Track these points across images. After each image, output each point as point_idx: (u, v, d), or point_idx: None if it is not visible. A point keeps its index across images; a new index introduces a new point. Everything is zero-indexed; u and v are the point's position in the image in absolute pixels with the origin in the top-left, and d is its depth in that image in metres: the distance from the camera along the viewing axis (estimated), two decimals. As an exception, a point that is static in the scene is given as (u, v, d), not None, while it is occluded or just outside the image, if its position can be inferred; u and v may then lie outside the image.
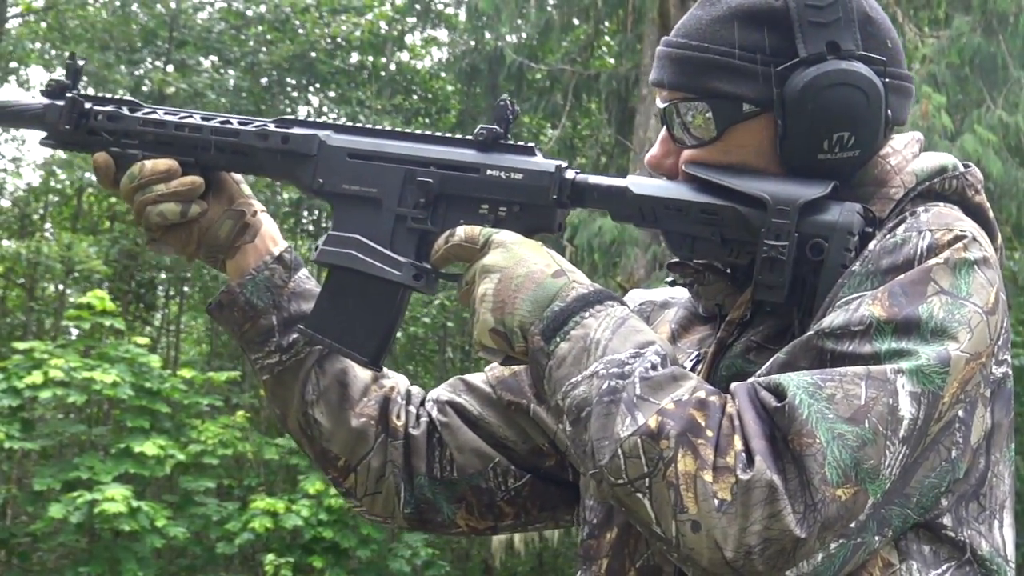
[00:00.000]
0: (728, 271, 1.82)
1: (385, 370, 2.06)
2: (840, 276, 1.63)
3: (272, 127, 1.94)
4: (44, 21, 18.50)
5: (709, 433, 1.50)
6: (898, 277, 1.58)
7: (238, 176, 2.01)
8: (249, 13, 18.52)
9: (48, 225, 19.36)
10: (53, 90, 2.01)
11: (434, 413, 2.08)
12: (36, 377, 12.69)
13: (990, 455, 1.68)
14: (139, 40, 18.15)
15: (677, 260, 1.86)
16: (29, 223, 19.05)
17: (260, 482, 15.38)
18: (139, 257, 17.19)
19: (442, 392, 2.11)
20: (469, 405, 2.07)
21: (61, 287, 18.15)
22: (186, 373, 14.27)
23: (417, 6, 18.38)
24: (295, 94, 19.34)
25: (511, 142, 1.86)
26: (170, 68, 17.94)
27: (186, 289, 19.22)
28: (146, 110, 1.99)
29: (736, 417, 1.51)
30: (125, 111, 1.99)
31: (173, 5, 18.04)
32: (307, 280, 2.03)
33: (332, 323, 1.91)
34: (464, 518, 2.07)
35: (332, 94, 19.22)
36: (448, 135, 1.90)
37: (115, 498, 12.49)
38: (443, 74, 19.88)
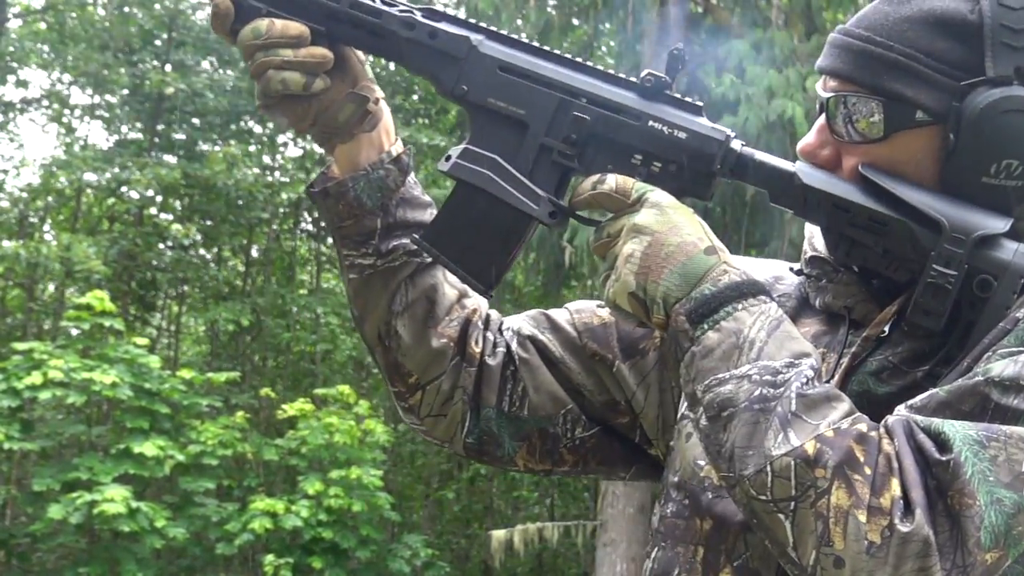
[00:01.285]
0: (867, 276, 1.77)
1: (467, 288, 1.97)
2: (1001, 317, 1.58)
3: (419, 16, 1.79)
4: (43, 21, 18.48)
5: (867, 471, 1.45)
6: None
7: (362, 56, 1.86)
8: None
9: (47, 226, 19.35)
10: None
11: (513, 345, 2.00)
12: (35, 378, 12.71)
13: None
14: (137, 40, 18.14)
15: (817, 255, 1.81)
16: (28, 224, 19.04)
17: (260, 483, 15.38)
18: (138, 257, 17.18)
19: (524, 325, 2.03)
20: (552, 345, 1.99)
21: (60, 288, 18.14)
22: (186, 374, 14.27)
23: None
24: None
25: (677, 96, 1.76)
26: (168, 68, 17.93)
27: (186, 288, 19.20)
28: None
29: (895, 459, 1.47)
30: None
31: (170, 4, 18.02)
32: (416, 187, 1.92)
33: (452, 241, 1.80)
34: (524, 458, 2.00)
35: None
36: (611, 72, 1.78)
37: (114, 499, 12.51)
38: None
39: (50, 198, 19.13)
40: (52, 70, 18.83)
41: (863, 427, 1.49)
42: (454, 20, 1.81)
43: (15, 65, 18.13)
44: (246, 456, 14.88)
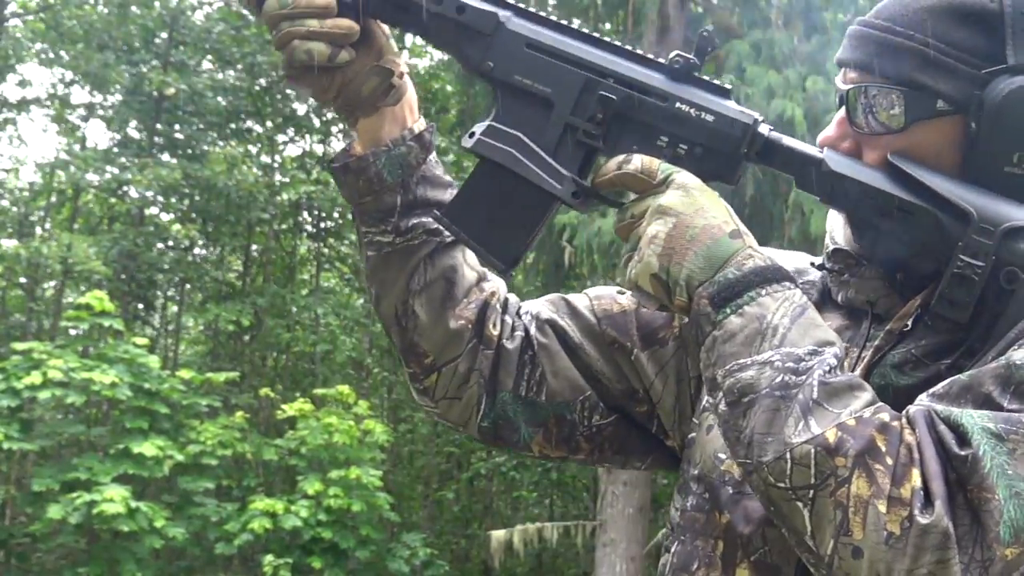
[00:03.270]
0: (889, 268, 1.74)
1: (486, 271, 1.96)
2: None
3: None
4: (42, 21, 18.47)
5: (888, 460, 1.44)
6: None
7: (387, 29, 1.85)
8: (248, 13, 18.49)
9: (48, 225, 19.34)
10: None
11: (532, 329, 1.98)
12: (35, 378, 12.71)
13: None
14: (138, 40, 18.14)
15: (840, 247, 1.79)
16: (28, 223, 19.04)
17: (259, 483, 15.39)
18: (138, 258, 17.18)
19: (543, 309, 2.01)
20: (571, 330, 1.98)
21: (60, 288, 18.14)
22: (185, 374, 14.28)
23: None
24: (294, 94, 19.32)
25: (705, 78, 1.73)
26: (168, 67, 17.93)
27: (188, 287, 19.20)
28: None
29: (916, 449, 1.45)
30: None
31: (173, 3, 18.02)
32: (437, 165, 1.91)
33: (473, 219, 1.77)
34: (539, 444, 1.98)
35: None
36: (639, 52, 1.74)
37: (114, 499, 12.51)
38: (442, 74, 19.88)
39: (53, 198, 19.13)
40: (51, 67, 18.82)
41: (885, 416, 1.48)
42: None
43: (14, 63, 18.11)
44: (245, 456, 14.87)
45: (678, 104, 1.71)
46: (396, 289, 1.90)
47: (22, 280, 18.21)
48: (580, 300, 2.01)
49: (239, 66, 18.40)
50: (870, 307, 1.77)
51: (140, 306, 18.86)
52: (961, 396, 1.50)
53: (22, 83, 19.05)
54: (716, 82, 1.73)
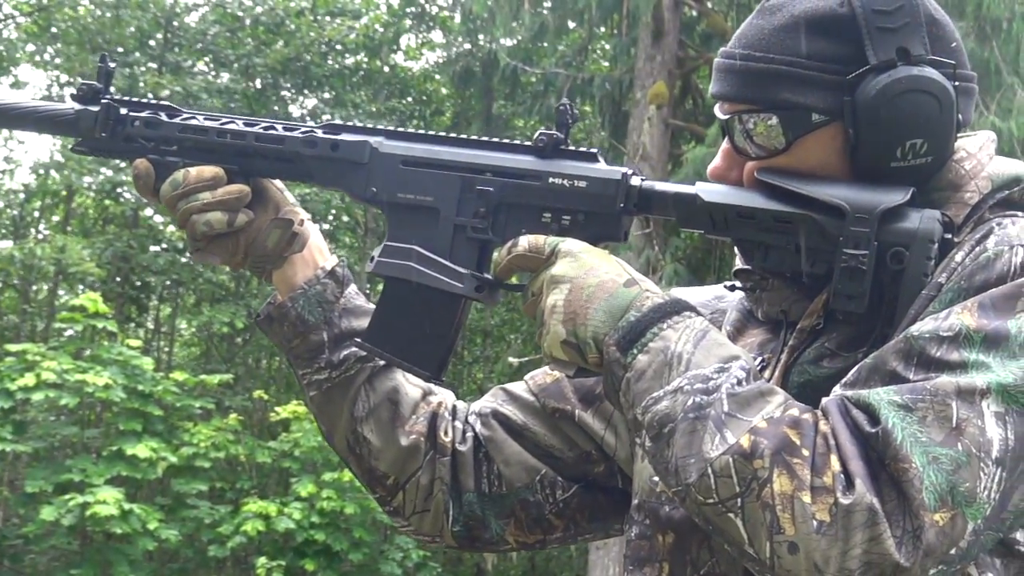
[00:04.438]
0: (793, 277, 1.77)
1: (431, 386, 2.03)
2: (921, 285, 1.60)
3: (320, 133, 1.88)
4: (35, 23, 18.46)
5: (805, 452, 1.47)
6: (990, 291, 1.54)
7: (279, 183, 1.95)
8: (244, 17, 18.48)
9: (42, 226, 19.33)
10: (85, 95, 1.93)
11: (478, 427, 2.03)
12: (28, 379, 12.70)
13: None
14: (132, 42, 18.12)
15: (742, 267, 1.83)
16: (22, 225, 19.02)
17: (252, 485, 15.37)
18: (132, 259, 17.17)
19: (484, 404, 2.07)
20: (513, 415, 2.03)
21: (54, 289, 18.12)
22: (179, 376, 14.26)
23: (411, 8, 18.39)
24: (289, 96, 19.33)
25: (572, 148, 1.80)
26: (163, 70, 17.92)
27: (181, 289, 19.18)
28: (185, 115, 1.92)
29: (831, 436, 1.48)
30: (163, 117, 1.92)
31: (168, 4, 18.01)
32: (357, 296, 1.99)
33: (391, 337, 1.86)
34: (513, 534, 2.03)
35: (327, 96, 19.21)
36: (506, 141, 1.83)
37: (107, 501, 12.49)
38: (437, 76, 19.88)
39: (47, 199, 19.11)
40: (45, 69, 18.82)
41: (795, 412, 1.51)
42: (353, 129, 1.89)
43: (7, 65, 18.11)
44: (239, 458, 14.86)
45: (551, 179, 1.78)
46: (343, 421, 1.97)
47: (16, 282, 18.18)
48: (517, 385, 2.08)
49: (234, 67, 18.38)
50: (785, 316, 1.80)
51: (134, 308, 18.84)
52: (870, 378, 1.54)
53: (16, 84, 19.04)
54: (582, 149, 1.79)
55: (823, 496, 1.44)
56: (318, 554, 13.96)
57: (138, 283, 18.01)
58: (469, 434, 2.03)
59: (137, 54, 18.11)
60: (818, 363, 1.71)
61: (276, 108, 18.58)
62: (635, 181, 1.77)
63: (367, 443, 1.97)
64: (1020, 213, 1.68)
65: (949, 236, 1.64)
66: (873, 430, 1.47)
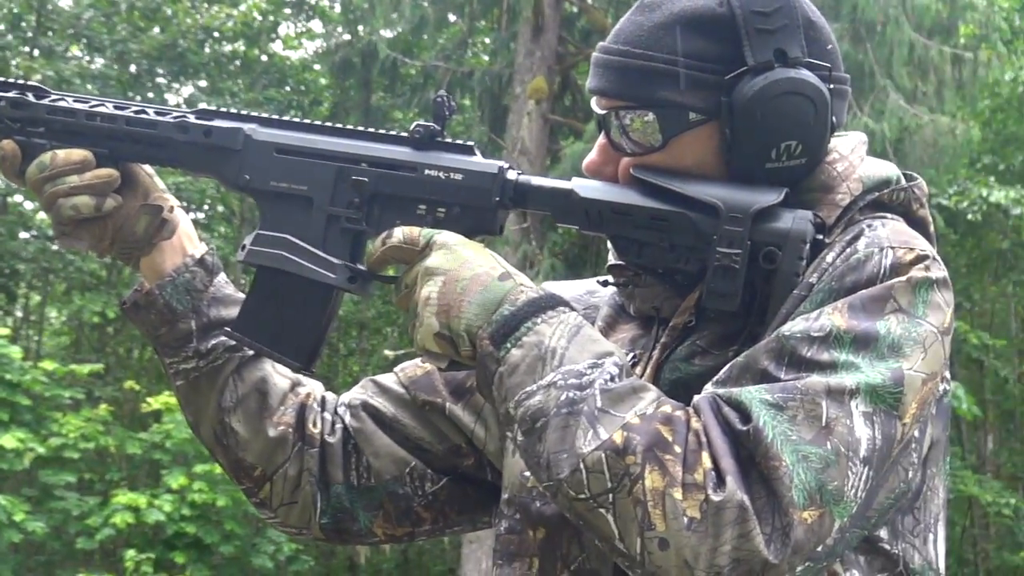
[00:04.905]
0: (666, 274, 1.79)
1: (300, 377, 2.01)
2: (793, 284, 1.63)
3: (192, 119, 1.86)
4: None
5: (677, 449, 1.48)
6: (860, 292, 1.57)
7: (149, 168, 1.92)
8: (119, 2, 18.20)
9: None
10: None
11: (347, 418, 2.03)
12: None
13: (926, 469, 1.69)
14: (4, 24, 17.76)
15: (615, 263, 1.84)
16: None
17: (122, 476, 15.16)
18: (0, 246, 16.83)
19: (354, 396, 2.06)
20: (383, 407, 2.03)
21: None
22: (48, 365, 14.02)
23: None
24: (164, 83, 19.08)
25: (448, 140, 1.80)
26: (36, 54, 17.58)
27: (51, 277, 18.85)
28: (53, 97, 1.88)
29: (703, 433, 1.50)
30: (30, 97, 1.88)
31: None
32: (226, 285, 1.97)
33: (261, 327, 1.84)
34: (381, 526, 2.02)
35: (204, 84, 18.99)
36: (382, 132, 1.83)
37: (-29, 492, 12.24)
38: (316, 66, 19.75)
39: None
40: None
41: (668, 409, 1.53)
42: (227, 115, 1.87)
43: None
44: (109, 449, 14.65)
45: (427, 171, 1.78)
46: (210, 411, 1.95)
47: None
48: (388, 377, 2.07)
49: (109, 53, 18.09)
50: (656, 312, 1.82)
51: (2, 296, 18.47)
52: (741, 377, 1.56)
53: None
54: (459, 142, 1.80)
55: (694, 493, 1.46)
56: (189, 547, 13.81)
57: (7, 270, 17.65)
58: (338, 426, 2.02)
59: (10, 37, 17.75)
60: (690, 360, 1.73)
61: (151, 95, 18.32)
62: (511, 175, 1.77)
63: (234, 434, 1.95)
64: (889, 215, 1.71)
65: (820, 237, 1.67)
66: (744, 428, 1.49)
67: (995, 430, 20.62)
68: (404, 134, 1.81)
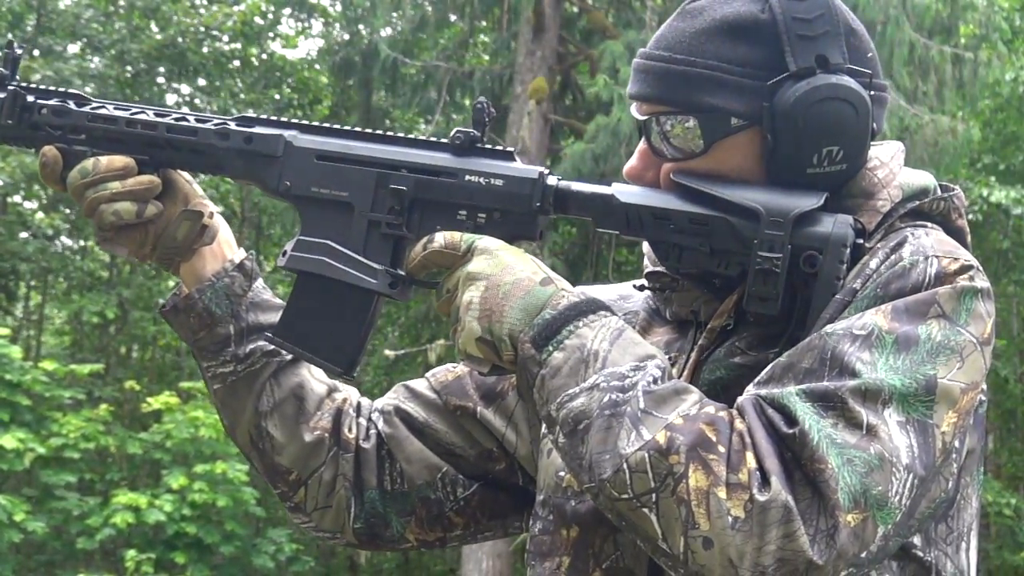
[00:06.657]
0: (703, 277, 1.79)
1: (336, 382, 2.03)
2: (834, 288, 1.63)
3: (233, 125, 1.87)
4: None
5: (721, 449, 1.48)
6: (904, 297, 1.58)
7: (188, 175, 1.93)
8: (119, 1, 18.22)
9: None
10: None
11: (380, 424, 2.04)
12: None
13: (961, 478, 1.69)
14: (3, 24, 17.77)
15: (654, 269, 1.84)
16: None
17: (122, 476, 15.18)
18: (1, 246, 16.84)
19: (387, 401, 2.07)
20: (415, 412, 2.04)
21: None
22: (48, 365, 14.04)
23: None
24: (164, 83, 19.09)
25: (488, 146, 1.80)
26: (36, 53, 17.59)
27: (51, 276, 18.86)
28: (94, 104, 1.89)
29: (747, 434, 1.50)
30: (71, 105, 1.89)
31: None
32: (264, 290, 1.98)
33: (302, 332, 1.85)
34: (413, 531, 2.03)
35: (203, 83, 19.00)
36: (422, 138, 1.83)
37: (-28, 492, 12.25)
38: (316, 65, 19.76)
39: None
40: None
41: (711, 410, 1.53)
42: (267, 122, 1.88)
43: None
44: (109, 449, 14.67)
45: (467, 177, 1.78)
46: (246, 415, 1.96)
47: None
48: (419, 383, 2.08)
49: (108, 52, 18.10)
50: (694, 316, 1.82)
51: (2, 295, 18.48)
52: (784, 377, 1.56)
53: None
54: (499, 148, 1.80)
55: (738, 492, 1.46)
56: (189, 547, 13.83)
57: (7, 270, 17.66)
58: (372, 431, 2.03)
59: (10, 36, 17.75)
60: (729, 360, 1.73)
61: (148, 95, 18.33)
62: (551, 180, 1.77)
63: (270, 438, 1.96)
64: (929, 224, 1.72)
65: (861, 242, 1.67)
66: (790, 431, 1.49)
67: (995, 430, 20.60)
68: (444, 140, 1.82)
